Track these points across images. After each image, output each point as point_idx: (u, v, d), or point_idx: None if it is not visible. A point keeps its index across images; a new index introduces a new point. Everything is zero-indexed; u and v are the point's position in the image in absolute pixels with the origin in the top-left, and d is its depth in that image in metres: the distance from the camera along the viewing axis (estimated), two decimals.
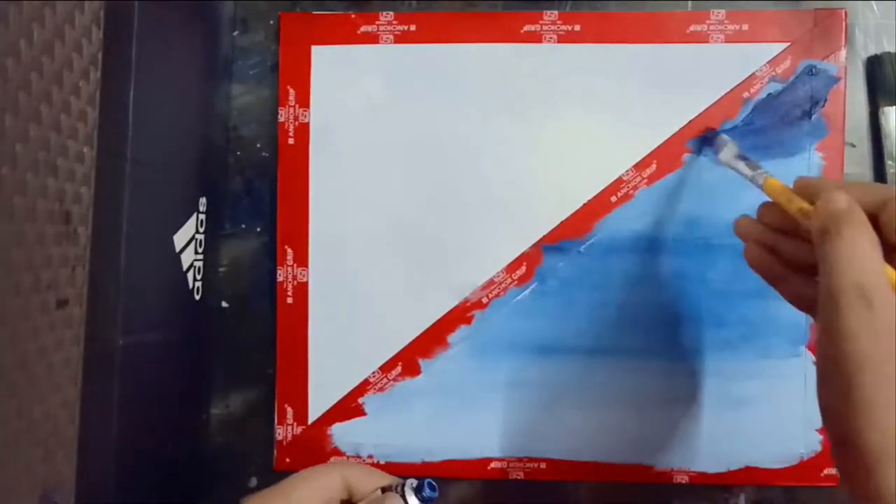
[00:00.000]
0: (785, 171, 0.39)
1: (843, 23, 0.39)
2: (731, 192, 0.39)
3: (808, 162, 0.39)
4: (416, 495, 0.31)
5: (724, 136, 0.38)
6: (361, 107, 0.41)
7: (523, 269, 0.40)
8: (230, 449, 0.41)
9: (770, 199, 0.31)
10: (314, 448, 0.40)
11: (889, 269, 0.25)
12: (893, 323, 0.24)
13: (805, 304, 0.31)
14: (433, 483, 0.31)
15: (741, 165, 0.34)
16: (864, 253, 0.25)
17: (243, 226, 0.42)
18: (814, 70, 0.39)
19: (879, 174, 0.40)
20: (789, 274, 0.31)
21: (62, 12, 0.26)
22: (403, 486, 0.31)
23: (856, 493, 0.24)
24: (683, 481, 0.39)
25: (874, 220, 0.27)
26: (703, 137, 0.39)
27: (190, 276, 0.38)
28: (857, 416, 0.24)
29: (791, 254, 0.31)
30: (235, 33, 0.42)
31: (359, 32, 0.41)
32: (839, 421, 0.25)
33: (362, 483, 0.31)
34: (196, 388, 0.40)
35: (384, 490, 0.31)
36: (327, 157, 0.41)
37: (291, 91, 0.41)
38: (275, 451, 0.41)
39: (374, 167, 0.40)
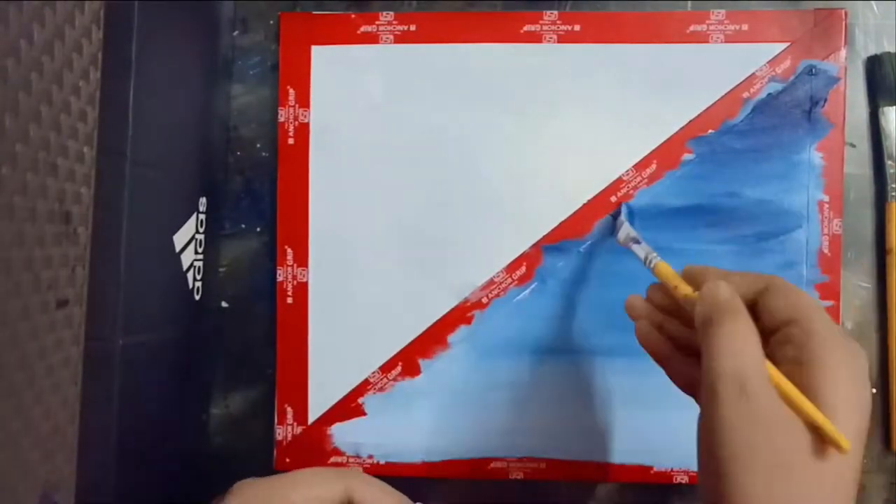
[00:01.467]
0: (786, 172, 0.39)
1: (843, 23, 0.39)
2: (731, 191, 0.39)
3: (809, 162, 0.39)
4: None
5: (622, 219, 0.38)
6: (361, 107, 0.41)
7: (523, 269, 0.40)
8: (230, 449, 0.41)
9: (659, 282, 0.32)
10: (314, 448, 0.40)
11: (767, 361, 0.26)
12: (768, 412, 0.25)
13: (690, 387, 0.31)
14: None
15: (636, 248, 0.35)
16: (744, 343, 0.26)
17: (243, 226, 0.42)
18: (814, 70, 0.39)
19: (879, 174, 0.40)
20: (676, 355, 0.31)
21: (62, 12, 0.26)
22: None
23: None
24: (683, 481, 0.39)
25: (755, 307, 0.28)
26: (611, 216, 0.39)
27: (190, 276, 0.38)
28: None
29: (677, 336, 0.32)
30: (235, 33, 0.42)
31: (359, 32, 0.41)
32: None
33: (367, 499, 0.29)
34: (196, 388, 0.40)
35: None
36: (327, 157, 0.41)
37: (291, 91, 0.41)
38: (275, 451, 0.41)
39: (374, 167, 0.40)
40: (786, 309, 0.27)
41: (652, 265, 0.33)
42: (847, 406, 0.25)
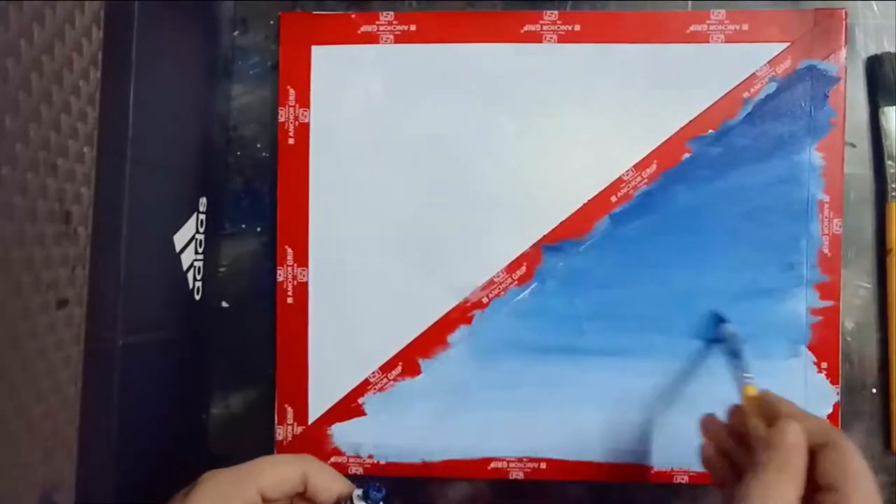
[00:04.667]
0: (786, 172, 0.39)
1: (843, 23, 0.39)
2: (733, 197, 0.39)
3: (809, 162, 0.39)
4: (365, 502, 0.31)
5: (731, 328, 0.38)
6: (361, 107, 0.41)
7: (523, 269, 0.40)
8: (230, 449, 0.41)
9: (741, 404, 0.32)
10: (314, 448, 0.40)
11: None
12: None
13: None
14: (377, 484, 0.31)
15: (735, 362, 0.35)
16: (778, 499, 0.27)
17: (243, 226, 0.42)
18: (814, 70, 0.39)
19: (879, 174, 0.40)
20: (733, 482, 0.32)
21: (62, 12, 0.26)
22: (351, 498, 0.31)
23: None
24: (683, 481, 0.39)
25: (813, 455, 0.28)
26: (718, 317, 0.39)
27: (190, 276, 0.38)
28: None
29: (739, 461, 0.32)
30: (235, 33, 0.42)
31: (359, 32, 0.41)
32: None
33: (320, 483, 0.31)
34: (196, 388, 0.40)
35: None
36: (327, 157, 0.41)
37: (291, 91, 0.41)
38: (275, 451, 0.41)
39: (374, 167, 0.40)
40: (834, 472, 0.27)
41: (742, 386, 0.33)
42: None
